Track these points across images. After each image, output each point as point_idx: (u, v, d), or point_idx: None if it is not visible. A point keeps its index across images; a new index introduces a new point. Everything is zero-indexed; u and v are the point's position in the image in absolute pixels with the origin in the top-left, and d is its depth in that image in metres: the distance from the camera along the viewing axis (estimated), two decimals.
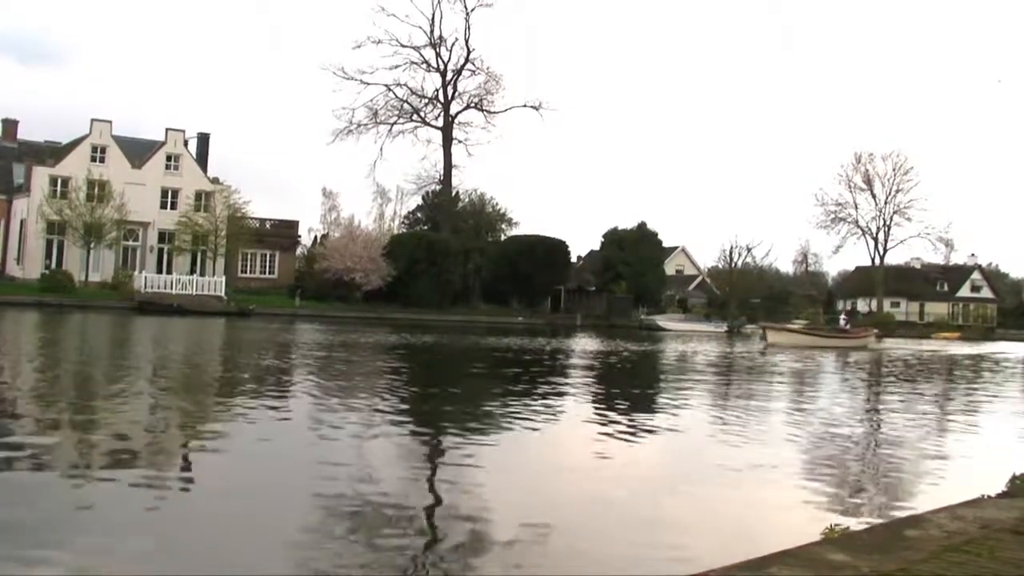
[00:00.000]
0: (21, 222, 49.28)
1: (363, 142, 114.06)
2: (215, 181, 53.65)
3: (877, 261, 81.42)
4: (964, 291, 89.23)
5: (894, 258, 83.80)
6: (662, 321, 56.33)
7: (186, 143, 53.68)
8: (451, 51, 62.70)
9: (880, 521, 4.79)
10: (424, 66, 62.83)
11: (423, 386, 13.54)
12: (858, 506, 5.70)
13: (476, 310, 56.59)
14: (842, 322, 38.14)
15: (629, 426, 9.12)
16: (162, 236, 51.14)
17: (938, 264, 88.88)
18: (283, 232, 58.09)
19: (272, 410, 9.26)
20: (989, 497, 4.65)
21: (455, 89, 63.41)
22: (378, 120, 62.30)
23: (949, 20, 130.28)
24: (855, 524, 4.60)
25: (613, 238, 63.31)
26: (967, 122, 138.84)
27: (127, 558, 3.98)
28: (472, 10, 61.35)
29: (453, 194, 64.09)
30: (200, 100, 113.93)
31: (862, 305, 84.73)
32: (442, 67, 63.01)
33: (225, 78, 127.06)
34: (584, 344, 29.65)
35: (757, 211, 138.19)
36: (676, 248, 78.40)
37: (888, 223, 79.44)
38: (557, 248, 61.76)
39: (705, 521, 5.30)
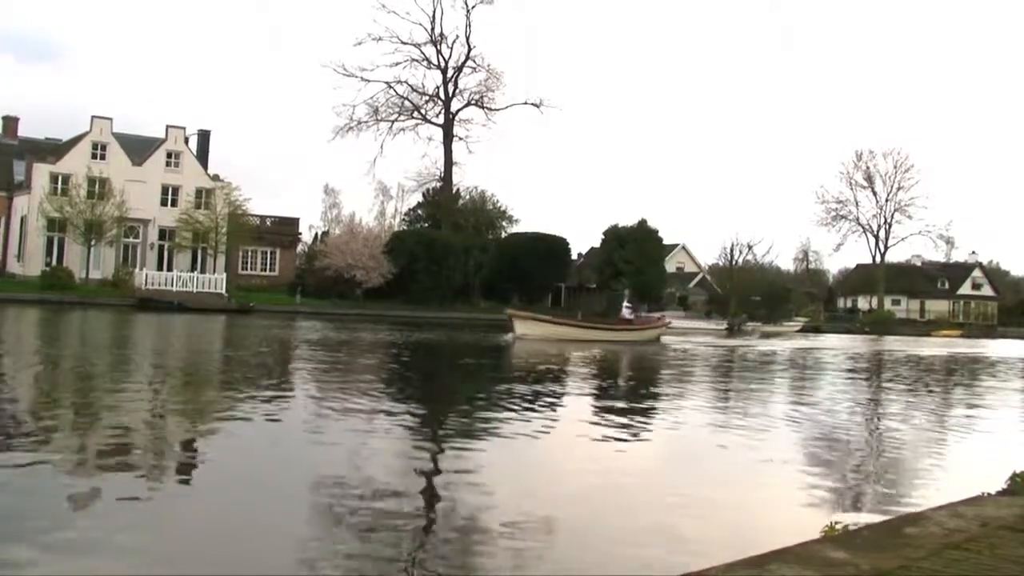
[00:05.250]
0: (22, 219, 49.27)
1: (364, 139, 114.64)
2: (215, 178, 53.66)
3: (878, 259, 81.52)
4: (965, 289, 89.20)
5: (895, 256, 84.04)
6: None
7: (187, 140, 53.66)
8: (452, 48, 62.81)
9: (880, 519, 4.78)
10: (425, 63, 62.93)
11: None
12: (858, 503, 5.69)
13: (477, 307, 56.55)
14: (625, 311, 32.74)
15: None
16: (162, 233, 51.15)
17: (939, 262, 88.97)
18: (284, 229, 58.15)
19: (310, 400, 9.24)
20: (989, 495, 4.64)
21: (456, 86, 63.50)
22: (379, 117, 62.41)
23: (950, 18, 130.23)
24: (855, 522, 4.59)
25: (613, 235, 63.23)
26: (968, 120, 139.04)
27: (123, 557, 3.98)
28: (472, 7, 61.44)
29: (454, 191, 64.07)
30: (201, 97, 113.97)
31: (863, 303, 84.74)
32: (443, 64, 63.07)
33: (226, 75, 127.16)
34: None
35: (758, 208, 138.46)
36: (677, 245, 78.28)
37: (889, 221, 79.68)
38: (557, 245, 61.71)
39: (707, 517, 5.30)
